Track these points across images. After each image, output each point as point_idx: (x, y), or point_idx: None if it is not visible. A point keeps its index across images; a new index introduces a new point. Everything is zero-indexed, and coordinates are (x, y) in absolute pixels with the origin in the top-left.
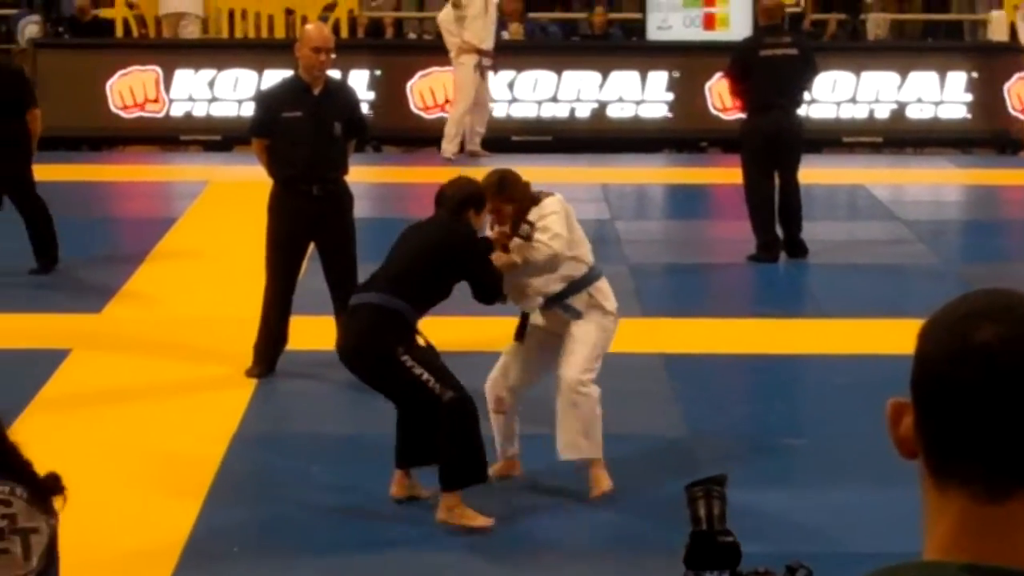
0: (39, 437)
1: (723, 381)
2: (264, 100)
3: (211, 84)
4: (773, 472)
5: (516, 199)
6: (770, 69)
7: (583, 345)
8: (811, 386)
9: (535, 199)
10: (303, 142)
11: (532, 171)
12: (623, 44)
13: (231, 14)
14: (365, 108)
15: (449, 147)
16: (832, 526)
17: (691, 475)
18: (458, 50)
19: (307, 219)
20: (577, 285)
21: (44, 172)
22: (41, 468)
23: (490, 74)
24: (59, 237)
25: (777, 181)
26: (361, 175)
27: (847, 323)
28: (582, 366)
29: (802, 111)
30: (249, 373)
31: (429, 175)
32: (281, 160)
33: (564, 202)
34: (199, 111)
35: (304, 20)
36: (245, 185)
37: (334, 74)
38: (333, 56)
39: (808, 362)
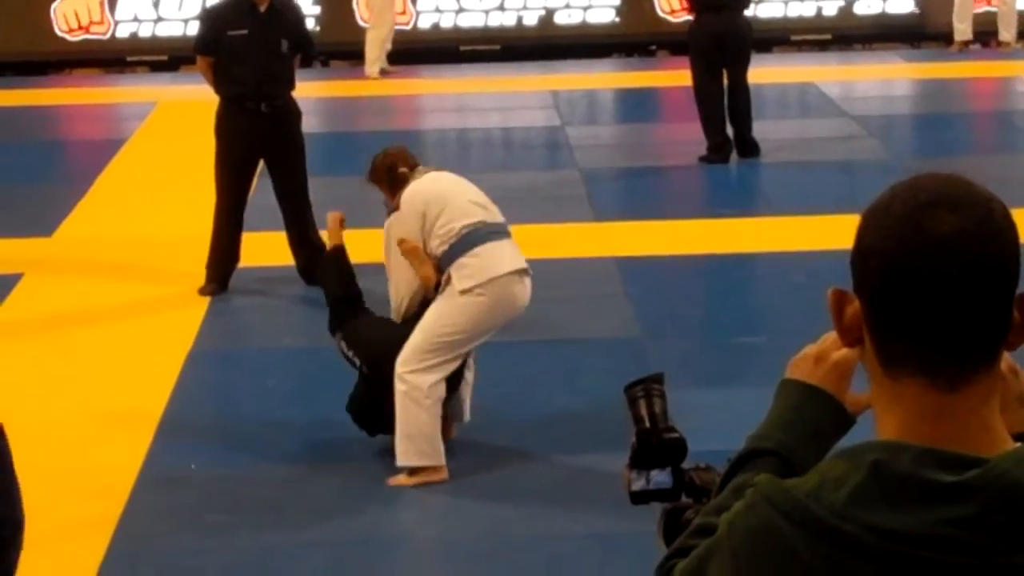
0: None
1: (677, 283)
2: (209, 18)
3: (156, 4)
4: (729, 371)
5: (375, 181)
6: None
7: (417, 332)
8: (766, 284)
9: (403, 182)
10: (249, 60)
11: (481, 81)
12: None
13: None
14: (311, 23)
15: (373, 69)
16: None
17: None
18: None
19: (255, 137)
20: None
21: (5, 97)
22: None
23: None
24: (6, 163)
25: (726, 81)
26: (309, 90)
27: (800, 220)
28: (405, 356)
29: (750, 11)
30: (202, 291)
31: (377, 88)
32: (227, 78)
33: (423, 191)
34: (145, 31)
35: None
36: (194, 105)
37: None
38: None
39: (762, 260)
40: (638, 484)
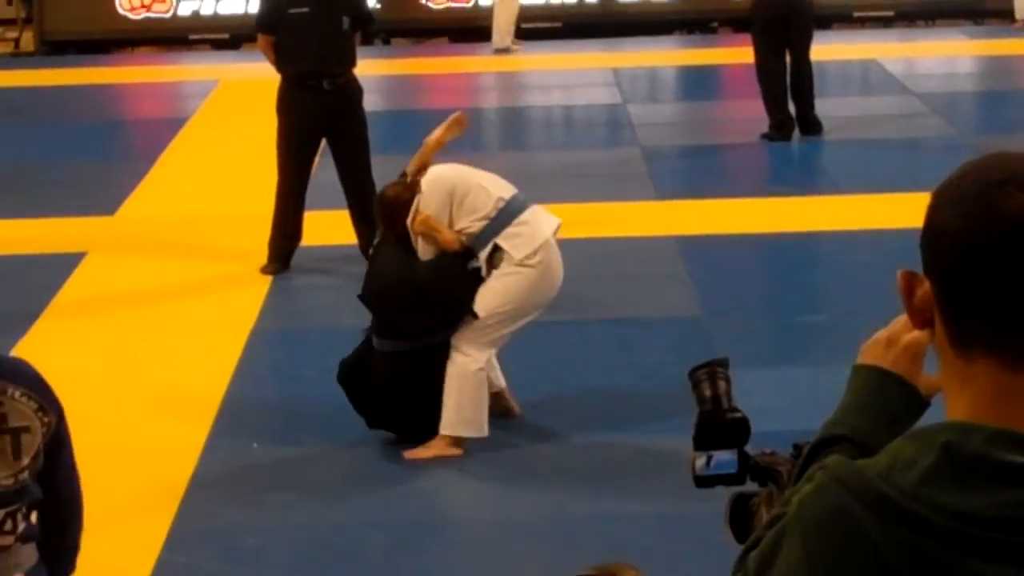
0: (56, 342)
1: (739, 261)
2: None
3: None
4: (790, 350)
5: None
6: None
7: (478, 309)
8: (828, 263)
9: (406, 204)
10: (311, 37)
11: (543, 58)
12: None
13: None
14: (372, 0)
15: (506, 41)
16: None
17: (708, 356)
18: None
19: (318, 115)
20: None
21: (54, 77)
22: (58, 372)
23: None
24: (69, 142)
25: (788, 59)
26: (370, 68)
27: (863, 199)
28: (467, 335)
29: None
30: (264, 270)
31: (437, 66)
32: (289, 56)
33: (446, 173)
34: (206, 10)
35: None
36: (256, 83)
37: None
38: None
39: (825, 239)
40: (702, 467)
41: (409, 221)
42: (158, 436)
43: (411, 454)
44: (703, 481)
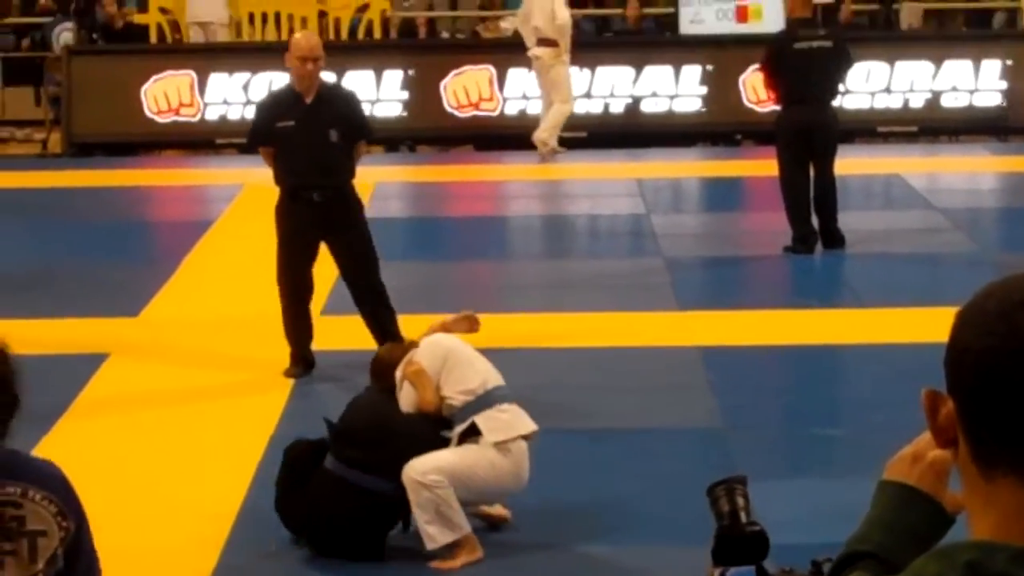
0: (77, 441)
1: (760, 373)
2: (260, 109)
3: (245, 87)
4: (810, 463)
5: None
6: (804, 61)
7: (450, 455)
8: (849, 376)
9: (398, 360)
10: (298, 151)
11: (567, 168)
12: (656, 39)
13: (264, 17)
14: (398, 108)
15: (553, 141)
16: None
17: (728, 468)
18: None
19: (312, 222)
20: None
21: (81, 178)
22: (79, 472)
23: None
24: (95, 243)
25: (812, 172)
26: (396, 175)
27: (885, 312)
28: (428, 466)
29: (836, 102)
30: (287, 373)
31: (463, 174)
32: (281, 169)
33: (445, 342)
34: (234, 114)
35: (337, 22)
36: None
37: (364, 74)
38: (322, 64)
39: (846, 352)
40: None
41: (399, 369)
42: (175, 539)
43: (438, 565)
44: None
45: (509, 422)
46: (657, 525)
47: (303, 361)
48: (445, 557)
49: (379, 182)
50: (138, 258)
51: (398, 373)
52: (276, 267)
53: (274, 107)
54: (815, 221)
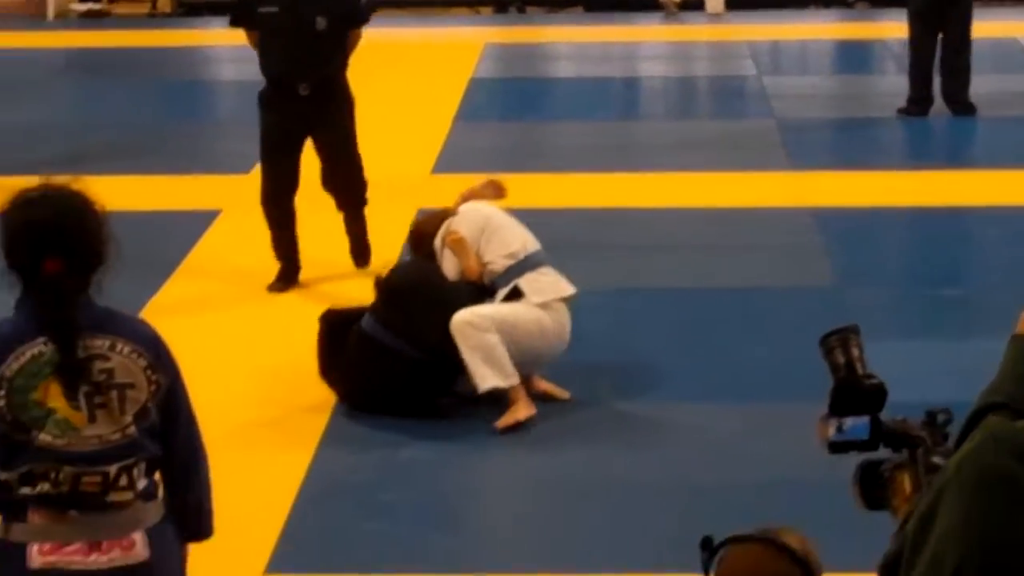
0: (187, 298)
1: (874, 234)
2: None
3: None
4: (926, 322)
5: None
6: None
7: (502, 307)
8: (966, 238)
9: (437, 228)
10: (282, 39)
11: (681, 30)
12: None
13: None
14: None
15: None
16: (982, 374)
17: (839, 325)
18: None
19: (296, 117)
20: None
21: (190, 37)
22: (188, 327)
23: None
24: (204, 102)
25: (942, 36)
26: (505, 36)
27: (1002, 174)
28: (476, 318)
29: None
30: (271, 288)
31: (569, 34)
32: (264, 56)
33: (484, 209)
34: None
35: None
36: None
37: None
38: None
39: (963, 214)
40: (835, 433)
41: (439, 237)
42: (279, 408)
43: (503, 423)
44: (836, 447)
45: (552, 283)
46: (767, 381)
47: (285, 276)
48: (504, 416)
49: (488, 42)
50: (248, 117)
51: (437, 242)
52: (260, 164)
53: None
54: (937, 85)
